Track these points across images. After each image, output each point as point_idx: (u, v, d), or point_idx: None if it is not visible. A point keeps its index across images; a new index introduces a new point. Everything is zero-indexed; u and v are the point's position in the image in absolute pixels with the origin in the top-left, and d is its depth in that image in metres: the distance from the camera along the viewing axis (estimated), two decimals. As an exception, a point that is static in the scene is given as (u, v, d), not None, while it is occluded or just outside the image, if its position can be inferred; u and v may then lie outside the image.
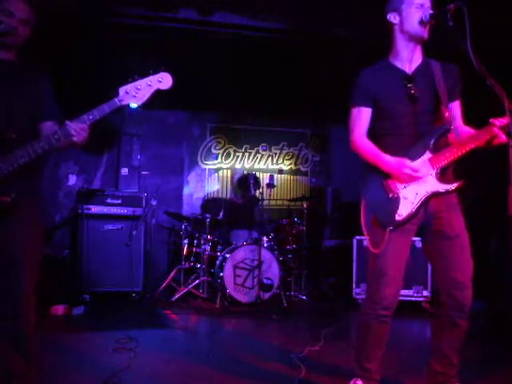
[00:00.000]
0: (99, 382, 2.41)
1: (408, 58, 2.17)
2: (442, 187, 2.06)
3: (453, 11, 1.89)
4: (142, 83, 1.95)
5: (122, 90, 1.94)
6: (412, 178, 2.05)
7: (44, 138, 1.94)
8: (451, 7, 1.89)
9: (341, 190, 6.62)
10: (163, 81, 1.98)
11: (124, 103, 1.95)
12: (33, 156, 1.92)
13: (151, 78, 1.97)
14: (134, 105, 1.95)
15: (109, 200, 4.86)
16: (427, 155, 2.08)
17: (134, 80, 1.96)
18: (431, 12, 2.03)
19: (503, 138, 1.93)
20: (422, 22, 2.06)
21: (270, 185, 5.28)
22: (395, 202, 2.08)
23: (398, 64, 2.19)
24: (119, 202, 4.89)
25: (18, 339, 1.97)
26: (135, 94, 1.94)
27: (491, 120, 1.96)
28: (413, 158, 2.08)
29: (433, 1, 2.11)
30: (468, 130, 2.14)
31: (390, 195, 2.10)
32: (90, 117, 1.93)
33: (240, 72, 5.30)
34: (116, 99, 1.94)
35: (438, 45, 2.18)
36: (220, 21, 4.51)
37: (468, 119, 2.23)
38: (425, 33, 2.10)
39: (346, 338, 3.61)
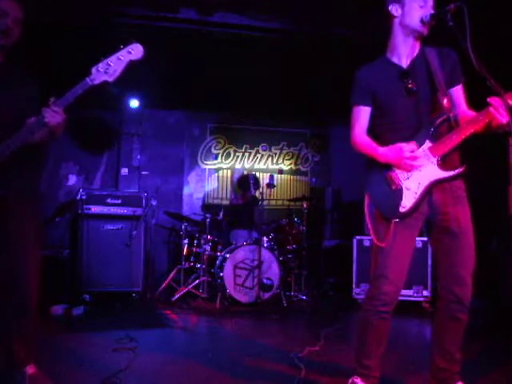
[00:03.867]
0: (99, 382, 2.40)
1: (405, 53, 2.16)
2: (445, 174, 2.04)
3: (453, 11, 1.89)
4: (113, 58, 1.92)
5: (93, 69, 1.91)
6: (412, 166, 2.04)
7: (23, 129, 1.94)
8: (451, 7, 1.89)
9: (341, 190, 6.63)
10: (134, 51, 1.93)
11: (96, 82, 1.92)
12: (14, 149, 1.92)
13: (121, 51, 1.93)
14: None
15: (109, 200, 4.86)
16: (427, 144, 2.07)
17: (105, 57, 1.93)
18: (432, 12, 2.03)
19: (501, 119, 1.87)
20: (422, 21, 2.05)
21: (270, 185, 5.28)
22: (398, 194, 2.08)
23: (395, 59, 2.18)
24: (119, 202, 4.88)
25: (24, 330, 2.12)
26: (107, 70, 1.91)
27: (489, 99, 1.91)
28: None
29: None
30: (471, 114, 2.08)
31: (393, 187, 2.10)
32: (64, 101, 1.92)
33: (240, 72, 5.30)
34: (88, 79, 1.91)
35: (438, 44, 2.17)
36: (220, 21, 4.51)
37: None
38: (424, 30, 2.09)
39: (345, 338, 3.61)
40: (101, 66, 1.91)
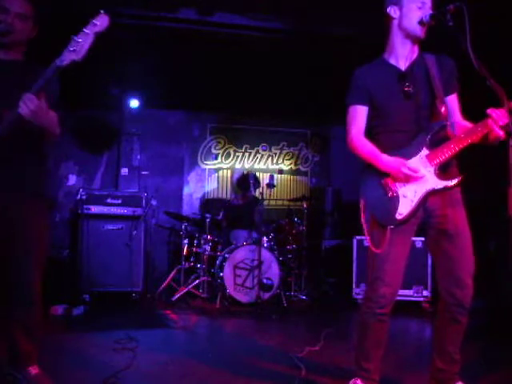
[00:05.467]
0: (99, 382, 2.41)
1: (403, 55, 2.15)
2: (441, 183, 2.04)
3: (453, 12, 1.89)
4: (80, 34, 1.85)
5: (64, 51, 1.86)
6: (410, 179, 2.04)
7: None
8: (451, 8, 1.89)
9: (341, 190, 6.63)
10: (98, 22, 1.86)
11: (65, 62, 1.85)
12: None
13: (87, 26, 1.85)
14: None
15: (109, 200, 4.86)
16: (424, 152, 2.07)
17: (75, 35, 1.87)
18: (431, 13, 2.02)
19: (498, 131, 1.87)
20: (421, 22, 2.05)
21: (270, 185, 5.28)
22: (394, 201, 2.08)
23: (393, 61, 2.18)
24: (119, 202, 4.88)
25: (29, 325, 2.15)
26: (75, 48, 1.84)
27: (488, 110, 1.90)
28: (410, 155, 2.07)
29: (433, 1, 2.11)
30: (466, 125, 2.09)
31: (389, 194, 2.09)
32: (36, 85, 1.86)
33: (240, 72, 5.30)
34: (57, 60, 1.86)
35: (438, 45, 2.17)
36: (220, 21, 4.51)
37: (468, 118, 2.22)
38: (422, 33, 2.08)
39: (346, 338, 3.61)
40: (70, 45, 1.85)
